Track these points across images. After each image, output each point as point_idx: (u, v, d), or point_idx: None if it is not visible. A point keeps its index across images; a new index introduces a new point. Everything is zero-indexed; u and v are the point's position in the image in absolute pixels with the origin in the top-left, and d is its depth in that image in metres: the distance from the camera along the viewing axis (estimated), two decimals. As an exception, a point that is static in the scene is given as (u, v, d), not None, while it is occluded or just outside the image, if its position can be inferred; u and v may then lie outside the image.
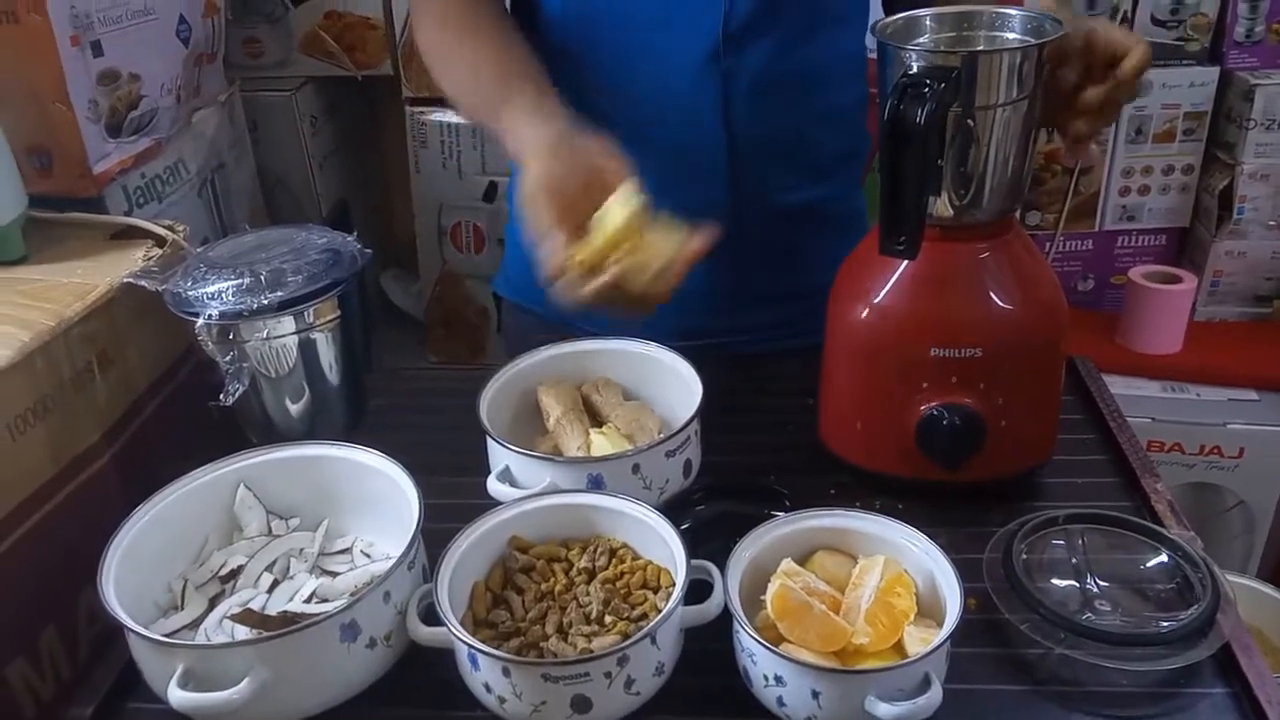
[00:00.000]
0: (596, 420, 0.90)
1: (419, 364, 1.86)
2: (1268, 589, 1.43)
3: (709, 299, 1.03)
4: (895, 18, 0.81)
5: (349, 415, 0.96)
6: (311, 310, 0.87)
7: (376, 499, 0.79)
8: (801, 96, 0.96)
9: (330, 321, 0.89)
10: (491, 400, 0.86)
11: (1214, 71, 1.53)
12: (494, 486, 0.80)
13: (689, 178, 0.96)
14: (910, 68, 0.73)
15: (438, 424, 0.93)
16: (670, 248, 0.74)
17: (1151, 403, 1.52)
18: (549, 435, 0.88)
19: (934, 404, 0.80)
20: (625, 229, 0.73)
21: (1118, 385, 1.51)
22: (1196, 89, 1.54)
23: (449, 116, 1.65)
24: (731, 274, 1.02)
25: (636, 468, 0.79)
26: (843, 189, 1.06)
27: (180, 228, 1.02)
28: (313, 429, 0.92)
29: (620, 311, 0.76)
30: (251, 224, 1.48)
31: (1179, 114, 1.55)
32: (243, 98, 1.59)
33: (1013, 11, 0.79)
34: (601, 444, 0.84)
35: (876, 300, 0.81)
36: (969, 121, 0.74)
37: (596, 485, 0.78)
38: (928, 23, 0.81)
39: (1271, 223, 1.56)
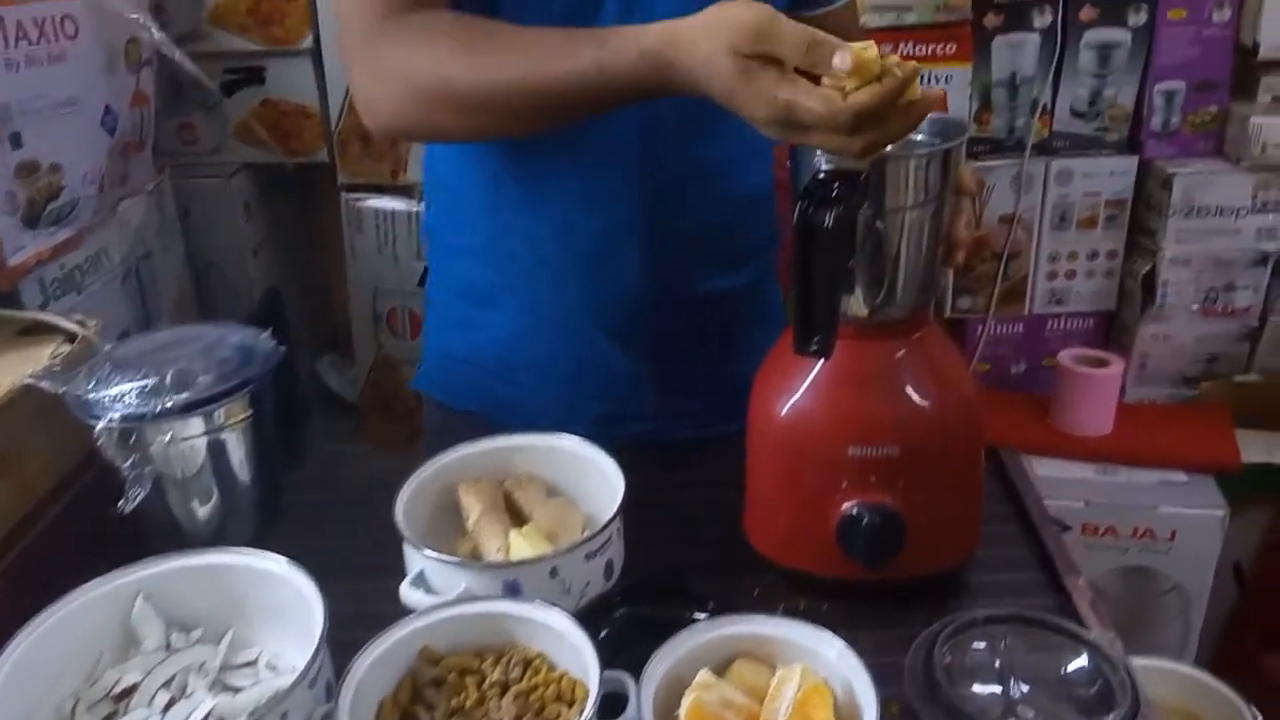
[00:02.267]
0: (518, 519, 0.88)
1: (354, 451, 1.82)
2: (1205, 676, 1.42)
3: (633, 386, 1.02)
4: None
5: (262, 516, 0.93)
6: (222, 410, 0.85)
7: (284, 608, 0.76)
8: (717, 184, 0.97)
9: (241, 421, 0.87)
10: (410, 498, 0.84)
11: (1133, 161, 1.57)
12: (407, 593, 0.77)
13: (613, 266, 0.96)
14: (819, 171, 0.73)
15: (361, 518, 0.90)
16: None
17: (1085, 485, 1.52)
18: (469, 535, 0.86)
19: (854, 503, 0.79)
20: (872, 60, 0.65)
21: (1051, 467, 1.53)
22: (1117, 177, 1.58)
23: (384, 203, 1.64)
24: (655, 361, 1.01)
25: (555, 571, 0.77)
26: (760, 275, 1.06)
27: (91, 322, 0.99)
28: (222, 532, 0.89)
29: (888, 134, 0.68)
30: (178, 312, 1.47)
31: (1100, 201, 1.59)
32: (176, 184, 1.57)
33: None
34: (520, 545, 0.82)
35: (794, 399, 0.80)
36: (879, 224, 0.74)
37: (513, 591, 0.76)
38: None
39: (1195, 306, 1.59)
